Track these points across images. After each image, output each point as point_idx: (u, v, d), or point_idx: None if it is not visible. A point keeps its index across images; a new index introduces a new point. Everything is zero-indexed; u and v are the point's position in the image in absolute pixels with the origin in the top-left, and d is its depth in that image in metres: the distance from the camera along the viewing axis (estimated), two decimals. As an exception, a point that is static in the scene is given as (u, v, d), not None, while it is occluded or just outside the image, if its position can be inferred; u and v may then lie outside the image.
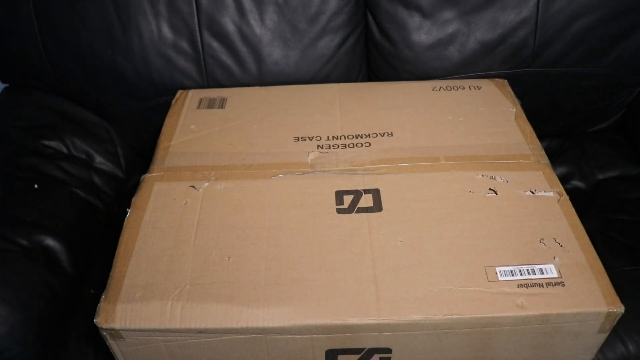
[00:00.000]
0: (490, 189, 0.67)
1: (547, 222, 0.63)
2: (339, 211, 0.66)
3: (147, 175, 0.71)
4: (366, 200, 0.67)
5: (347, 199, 0.67)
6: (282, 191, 0.68)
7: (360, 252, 0.61)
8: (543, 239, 0.61)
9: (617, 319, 0.56)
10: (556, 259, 0.59)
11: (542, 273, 0.58)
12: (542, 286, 0.57)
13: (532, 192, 0.67)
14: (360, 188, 0.68)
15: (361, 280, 0.58)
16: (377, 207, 0.66)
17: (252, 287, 0.58)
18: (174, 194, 0.68)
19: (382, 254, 0.61)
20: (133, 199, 0.68)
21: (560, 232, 0.62)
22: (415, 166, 0.71)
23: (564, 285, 0.57)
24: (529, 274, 0.58)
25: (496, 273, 0.58)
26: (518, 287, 0.57)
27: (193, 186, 0.69)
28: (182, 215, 0.66)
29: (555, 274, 0.58)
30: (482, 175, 0.69)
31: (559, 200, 0.66)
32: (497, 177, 0.68)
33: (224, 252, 0.62)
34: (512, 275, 0.58)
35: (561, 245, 0.61)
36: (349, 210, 0.66)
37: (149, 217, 0.66)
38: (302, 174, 0.71)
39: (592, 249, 0.61)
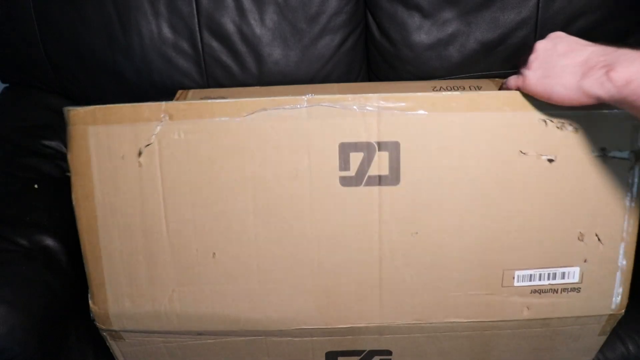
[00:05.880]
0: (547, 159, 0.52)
1: (600, 207, 0.53)
2: (344, 182, 0.52)
3: (71, 111, 0.53)
4: (380, 164, 0.52)
5: (355, 160, 0.52)
6: (265, 141, 0.52)
7: (367, 248, 0.54)
8: (583, 234, 0.53)
9: (617, 320, 0.56)
10: (586, 262, 0.53)
11: (563, 278, 0.54)
12: (556, 292, 0.54)
13: (604, 153, 0.52)
14: (373, 140, 0.51)
15: (365, 283, 0.54)
16: (394, 176, 0.52)
17: (246, 294, 0.55)
18: (120, 148, 0.53)
19: (392, 250, 0.53)
20: (69, 157, 0.54)
21: (608, 224, 0.53)
22: (454, 97, 0.52)
23: (578, 292, 0.54)
24: (548, 278, 0.54)
25: (513, 277, 0.53)
26: (530, 292, 0.54)
27: (141, 133, 0.53)
28: (142, 190, 0.53)
29: (576, 279, 0.54)
30: (546, 122, 0.51)
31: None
32: (567, 126, 0.52)
33: (206, 246, 0.54)
34: (530, 280, 0.53)
35: (602, 243, 0.54)
36: (357, 180, 0.52)
37: (100, 195, 0.54)
38: (292, 107, 0.52)
39: (634, 250, 0.55)
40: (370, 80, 1.02)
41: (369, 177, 0.52)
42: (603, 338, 0.58)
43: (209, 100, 0.52)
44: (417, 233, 0.53)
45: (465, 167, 0.51)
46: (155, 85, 0.93)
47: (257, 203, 0.52)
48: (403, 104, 0.51)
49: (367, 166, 0.51)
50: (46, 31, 0.90)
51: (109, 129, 0.52)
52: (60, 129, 0.93)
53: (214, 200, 0.53)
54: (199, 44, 0.91)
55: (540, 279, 0.53)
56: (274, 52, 0.92)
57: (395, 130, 0.51)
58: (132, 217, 0.53)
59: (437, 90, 0.85)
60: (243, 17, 0.90)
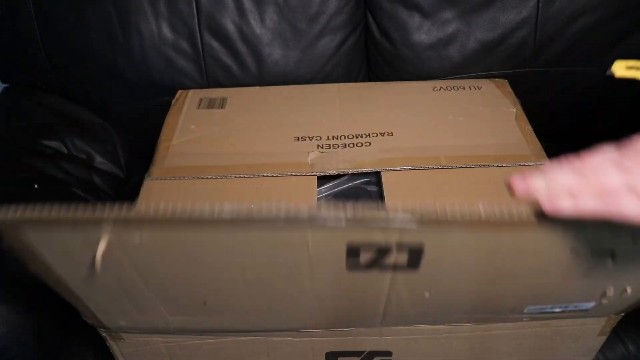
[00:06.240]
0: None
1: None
2: (351, 268, 0.43)
3: None
4: (397, 255, 0.42)
5: (365, 254, 0.42)
6: (251, 243, 0.41)
7: (372, 302, 0.50)
8: (611, 289, 0.48)
9: (617, 320, 0.56)
10: (605, 300, 0.50)
11: (575, 307, 0.52)
12: (564, 312, 0.53)
13: None
14: (392, 241, 0.40)
15: (368, 311, 0.53)
16: (413, 263, 0.42)
17: (244, 321, 0.54)
18: (69, 246, 0.42)
19: (399, 303, 0.49)
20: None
21: None
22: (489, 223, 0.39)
23: (586, 311, 0.53)
24: (559, 309, 0.52)
25: (524, 309, 0.52)
26: (537, 313, 0.53)
27: (90, 238, 0.40)
28: (108, 266, 0.43)
29: (588, 307, 0.52)
30: None
31: None
32: None
33: (194, 296, 0.48)
34: (540, 312, 0.52)
35: (628, 292, 0.49)
36: (366, 268, 0.44)
37: (60, 270, 0.45)
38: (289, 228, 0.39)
39: None
40: (370, 80, 1.02)
41: (382, 265, 0.43)
42: (603, 338, 0.59)
43: (171, 213, 0.38)
44: (429, 293, 0.48)
45: (506, 267, 0.45)
46: (156, 85, 0.93)
47: (246, 278, 0.45)
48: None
49: (381, 258, 0.42)
50: (46, 31, 0.90)
51: (49, 233, 0.41)
52: (60, 129, 0.94)
53: (195, 277, 0.46)
54: (199, 44, 0.91)
55: (551, 309, 0.52)
56: (274, 52, 0.92)
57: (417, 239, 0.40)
58: (104, 279, 0.45)
59: (437, 90, 0.86)
60: (243, 17, 0.90)
